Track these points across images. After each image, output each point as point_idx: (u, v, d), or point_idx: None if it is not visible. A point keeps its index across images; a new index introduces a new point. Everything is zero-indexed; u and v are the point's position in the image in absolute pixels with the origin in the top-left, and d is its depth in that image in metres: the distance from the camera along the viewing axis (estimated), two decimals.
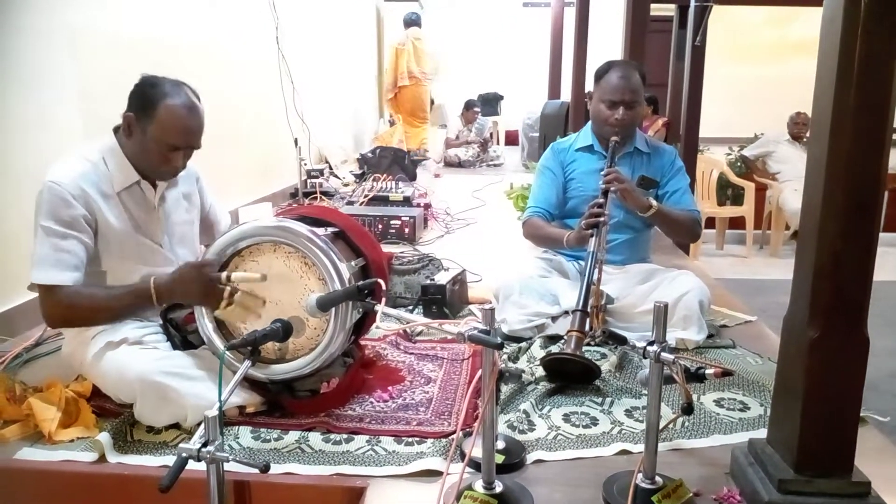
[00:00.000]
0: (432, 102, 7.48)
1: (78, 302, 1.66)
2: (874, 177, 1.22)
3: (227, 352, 1.56)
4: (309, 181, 4.55)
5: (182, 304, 1.79)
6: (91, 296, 1.68)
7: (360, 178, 4.95)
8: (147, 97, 1.70)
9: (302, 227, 1.65)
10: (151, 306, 1.69)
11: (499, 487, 1.34)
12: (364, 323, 1.86)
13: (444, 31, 9.33)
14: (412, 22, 7.46)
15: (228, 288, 1.63)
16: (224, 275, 1.64)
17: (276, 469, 1.44)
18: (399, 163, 5.26)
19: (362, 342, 2.03)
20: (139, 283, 1.70)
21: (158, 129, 1.69)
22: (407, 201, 4.05)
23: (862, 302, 1.27)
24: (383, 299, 1.55)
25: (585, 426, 1.67)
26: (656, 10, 4.92)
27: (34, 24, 2.34)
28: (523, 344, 2.11)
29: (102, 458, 1.49)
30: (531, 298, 2.21)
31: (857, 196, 1.22)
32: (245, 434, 1.60)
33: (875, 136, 1.20)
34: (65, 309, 1.66)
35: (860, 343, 1.27)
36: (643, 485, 1.34)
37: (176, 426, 1.61)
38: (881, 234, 1.28)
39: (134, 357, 1.65)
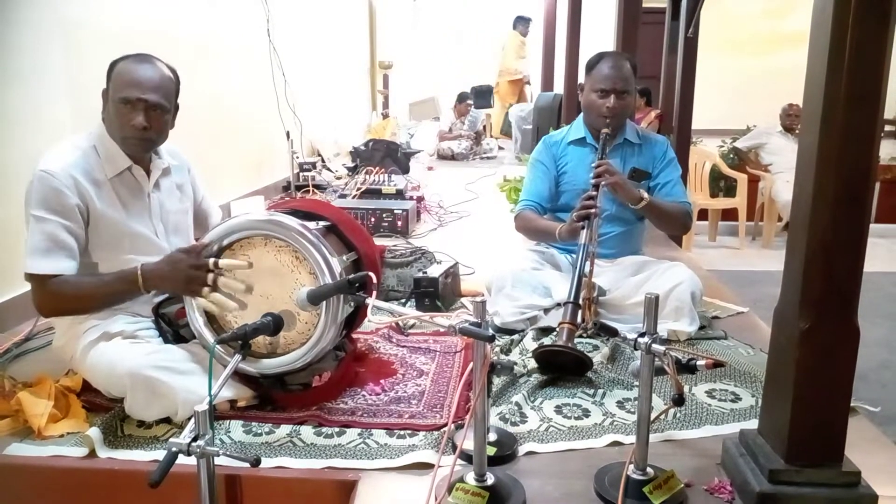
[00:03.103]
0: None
1: (66, 291, 1.64)
2: (865, 167, 1.22)
3: (217, 346, 1.55)
4: (301, 174, 4.52)
5: (174, 299, 1.79)
6: (78, 283, 1.66)
7: (353, 171, 4.93)
8: (110, 67, 1.74)
9: (293, 221, 1.64)
10: (139, 292, 1.67)
11: (490, 479, 1.33)
12: (356, 317, 1.85)
13: (436, 23, 9.30)
14: (514, 25, 8.72)
15: (212, 274, 1.62)
16: (212, 260, 1.64)
17: (267, 463, 1.44)
18: (392, 156, 5.23)
19: (354, 335, 2.02)
20: (127, 269, 1.68)
21: (113, 87, 1.71)
22: (400, 194, 4.03)
23: (852, 292, 1.27)
24: (374, 293, 1.54)
25: (577, 418, 1.67)
26: (649, 1, 4.90)
27: (28, 18, 2.32)
28: (515, 336, 2.11)
29: (92, 454, 1.49)
30: (523, 291, 2.21)
31: (848, 187, 1.22)
32: (236, 428, 1.60)
33: (866, 126, 1.20)
34: (55, 298, 1.66)
35: (851, 333, 1.27)
36: (634, 476, 1.35)
37: (167, 420, 1.61)
38: (872, 225, 1.28)
39: (124, 351, 1.64)
